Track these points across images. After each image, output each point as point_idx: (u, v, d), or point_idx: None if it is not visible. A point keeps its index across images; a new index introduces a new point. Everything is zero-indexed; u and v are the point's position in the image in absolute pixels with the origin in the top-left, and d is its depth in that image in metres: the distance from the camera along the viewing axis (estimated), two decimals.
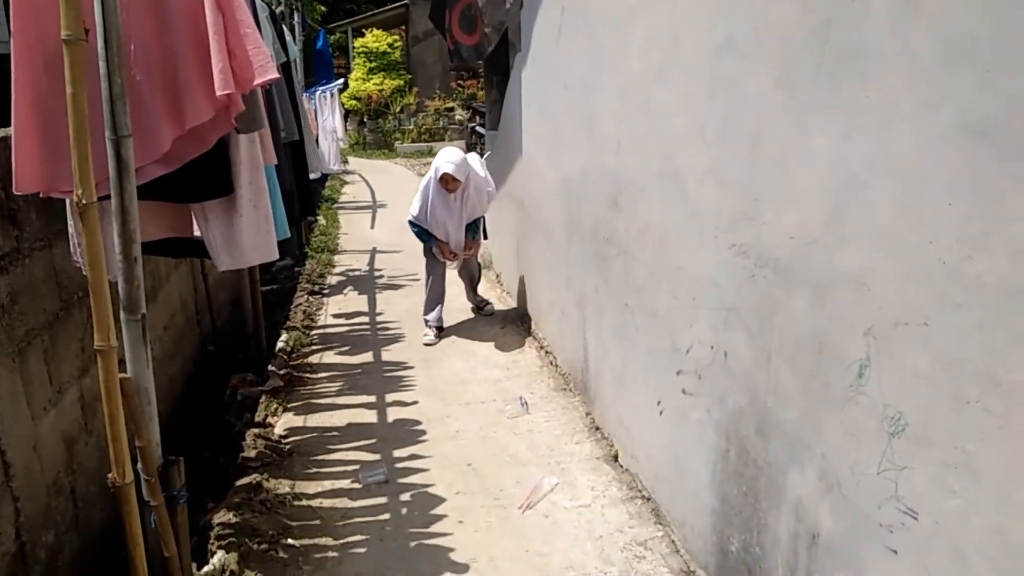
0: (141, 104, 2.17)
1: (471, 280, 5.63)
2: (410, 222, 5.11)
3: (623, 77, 3.17)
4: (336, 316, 5.83)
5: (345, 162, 14.57)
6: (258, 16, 3.67)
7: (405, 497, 3.24)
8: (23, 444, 2.18)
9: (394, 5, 18.69)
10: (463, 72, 17.11)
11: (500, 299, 5.94)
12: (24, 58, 2.07)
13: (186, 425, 3.72)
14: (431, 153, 16.24)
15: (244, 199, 2.51)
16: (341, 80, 11.11)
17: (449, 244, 5.06)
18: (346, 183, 12.77)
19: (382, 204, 10.71)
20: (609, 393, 3.62)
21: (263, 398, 4.16)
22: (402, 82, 18.37)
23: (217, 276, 4.96)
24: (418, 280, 6.66)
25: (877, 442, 1.68)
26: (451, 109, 17.60)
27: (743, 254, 2.25)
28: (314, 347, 5.13)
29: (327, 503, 3.18)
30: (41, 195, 2.21)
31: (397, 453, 3.61)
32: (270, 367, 4.51)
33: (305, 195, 5.48)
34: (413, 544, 2.91)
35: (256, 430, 3.76)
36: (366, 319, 5.75)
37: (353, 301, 6.21)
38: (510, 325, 5.40)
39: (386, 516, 3.09)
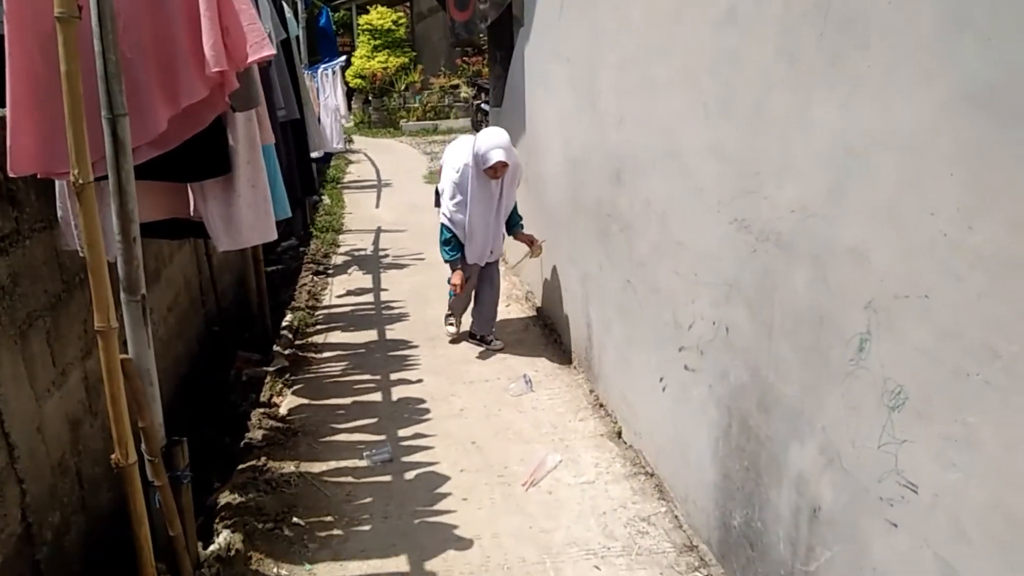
0: (133, 83, 2.15)
1: (490, 302, 4.67)
2: (444, 227, 4.43)
3: (625, 52, 3.13)
4: (341, 296, 5.83)
5: (350, 141, 14.53)
6: None
7: (410, 475, 3.26)
8: (27, 426, 2.19)
9: None
10: (467, 49, 16.97)
11: (504, 276, 5.93)
12: (18, 37, 2.05)
13: (191, 405, 3.73)
14: (436, 131, 16.15)
15: (242, 179, 2.50)
16: (343, 57, 11.02)
17: (488, 248, 4.41)
18: (351, 162, 12.73)
19: (387, 183, 10.68)
20: (612, 370, 3.62)
21: (268, 378, 4.17)
22: (407, 60, 18.26)
23: (221, 257, 4.96)
24: (423, 259, 6.67)
25: (877, 416, 1.67)
26: (456, 86, 17.49)
27: (744, 229, 2.23)
28: (319, 327, 5.14)
29: (332, 482, 3.20)
30: (39, 176, 2.21)
31: (402, 432, 3.62)
32: (275, 347, 4.53)
33: (307, 174, 5.42)
34: (418, 521, 2.93)
35: (261, 410, 3.78)
36: (371, 298, 5.75)
37: (358, 280, 6.21)
38: (514, 303, 5.39)
39: (391, 494, 3.10)
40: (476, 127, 14.74)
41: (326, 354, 4.65)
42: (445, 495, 3.09)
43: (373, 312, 5.45)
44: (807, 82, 1.89)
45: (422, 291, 5.81)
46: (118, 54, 2.01)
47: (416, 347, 4.70)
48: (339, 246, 7.37)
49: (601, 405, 3.80)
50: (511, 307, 5.33)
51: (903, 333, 1.59)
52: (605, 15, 3.33)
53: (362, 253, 7.09)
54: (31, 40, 2.06)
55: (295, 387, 4.15)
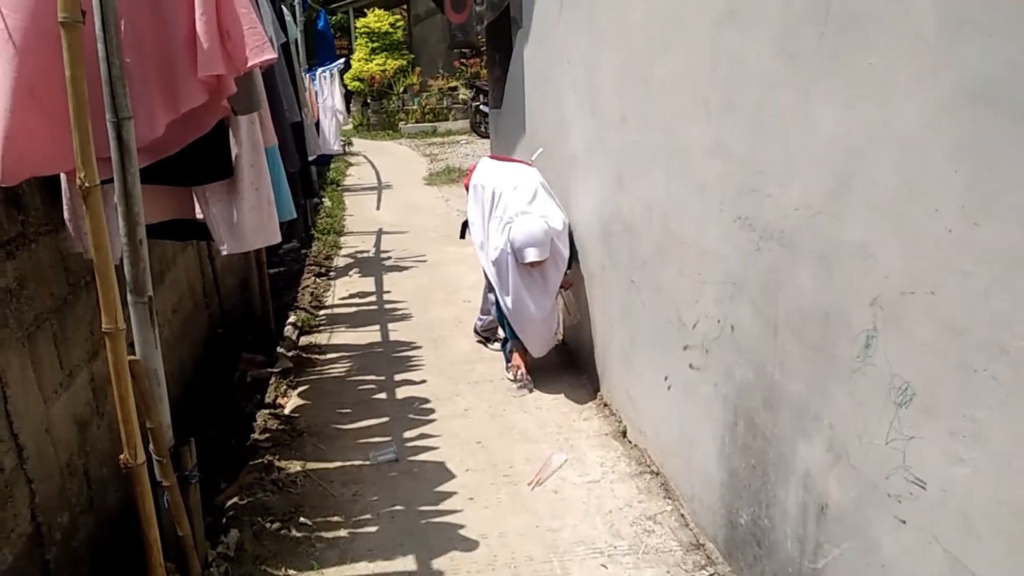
0: (131, 88, 2.15)
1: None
2: (501, 321, 4.13)
3: (625, 52, 3.14)
4: (343, 297, 5.84)
5: (349, 144, 14.54)
6: None
7: (415, 475, 3.26)
8: (35, 427, 2.20)
9: None
10: (465, 51, 16.98)
11: None
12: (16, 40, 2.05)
13: (197, 407, 3.74)
14: (435, 133, 16.16)
15: (246, 182, 2.51)
16: (342, 60, 11.02)
17: (550, 334, 4.08)
18: (351, 164, 12.75)
19: (387, 185, 10.70)
20: (616, 369, 3.63)
21: (272, 379, 4.18)
22: (405, 62, 18.28)
23: (224, 259, 4.97)
24: (424, 260, 6.69)
25: (884, 412, 1.68)
26: (454, 88, 17.50)
27: (748, 227, 2.24)
28: (322, 328, 5.15)
29: (338, 482, 3.21)
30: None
31: (407, 432, 3.63)
32: (279, 349, 4.54)
33: (306, 177, 5.43)
34: (424, 521, 2.93)
35: (266, 411, 3.79)
36: (373, 300, 5.76)
37: (360, 282, 6.22)
38: None
39: (397, 494, 3.11)
40: (475, 129, 14.77)
41: (330, 355, 4.66)
42: (451, 494, 3.10)
43: (376, 313, 5.46)
44: (808, 81, 1.90)
45: (424, 292, 5.82)
46: (122, 58, 2.02)
47: (419, 348, 4.71)
48: (341, 248, 7.38)
49: (606, 404, 3.81)
50: None
51: (909, 330, 1.60)
52: (605, 15, 3.34)
53: (364, 255, 7.10)
54: (31, 41, 2.04)
55: (299, 388, 4.15)
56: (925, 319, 1.55)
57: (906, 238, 1.59)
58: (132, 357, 2.16)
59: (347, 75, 17.53)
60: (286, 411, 3.87)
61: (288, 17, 5.66)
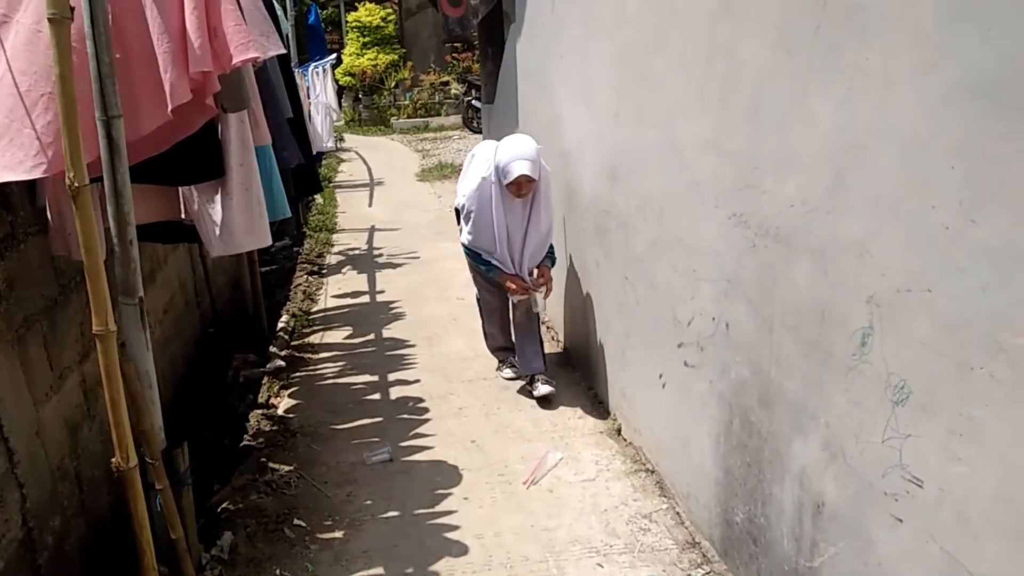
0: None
1: (526, 327, 3.91)
2: (466, 248, 3.81)
3: (619, 45, 3.12)
4: (336, 296, 5.82)
5: (341, 140, 14.48)
6: None
7: (410, 475, 3.25)
8: (26, 430, 2.17)
9: None
10: (457, 45, 16.93)
11: None
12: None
13: (189, 407, 3.72)
14: (427, 129, 16.10)
15: (235, 182, 2.48)
16: (334, 55, 10.98)
17: (520, 274, 3.74)
18: (342, 161, 12.70)
19: (379, 182, 10.65)
20: (611, 367, 3.62)
21: (265, 379, 4.16)
22: (396, 57, 18.19)
23: (216, 258, 4.91)
24: (417, 257, 6.66)
25: (881, 410, 1.68)
26: (447, 83, 17.43)
27: (743, 224, 2.23)
28: (315, 327, 5.12)
29: (332, 482, 3.19)
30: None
31: (401, 431, 3.61)
32: (271, 348, 4.51)
33: (310, 173, 5.35)
34: (419, 521, 2.92)
35: (259, 411, 3.77)
36: (366, 298, 5.74)
37: (353, 280, 6.19)
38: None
39: (391, 494, 3.10)
40: (467, 124, 14.71)
41: (323, 354, 4.63)
42: (446, 494, 3.09)
43: (369, 311, 5.43)
44: (805, 75, 1.88)
45: (418, 289, 5.80)
46: (111, 55, 2.00)
47: (413, 346, 4.69)
48: (333, 245, 7.35)
49: (600, 402, 3.80)
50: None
51: (906, 327, 1.59)
52: (598, 8, 3.32)
53: (356, 252, 7.07)
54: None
55: (292, 388, 4.13)
56: (922, 316, 1.54)
57: (903, 235, 1.58)
58: (123, 359, 2.14)
59: (338, 70, 17.46)
60: (279, 411, 3.85)
61: (279, 12, 5.62)
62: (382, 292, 5.83)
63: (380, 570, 2.64)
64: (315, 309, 5.53)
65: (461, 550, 2.74)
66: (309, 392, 4.09)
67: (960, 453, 1.47)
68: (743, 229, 2.24)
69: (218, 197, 2.51)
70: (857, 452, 1.78)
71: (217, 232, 2.55)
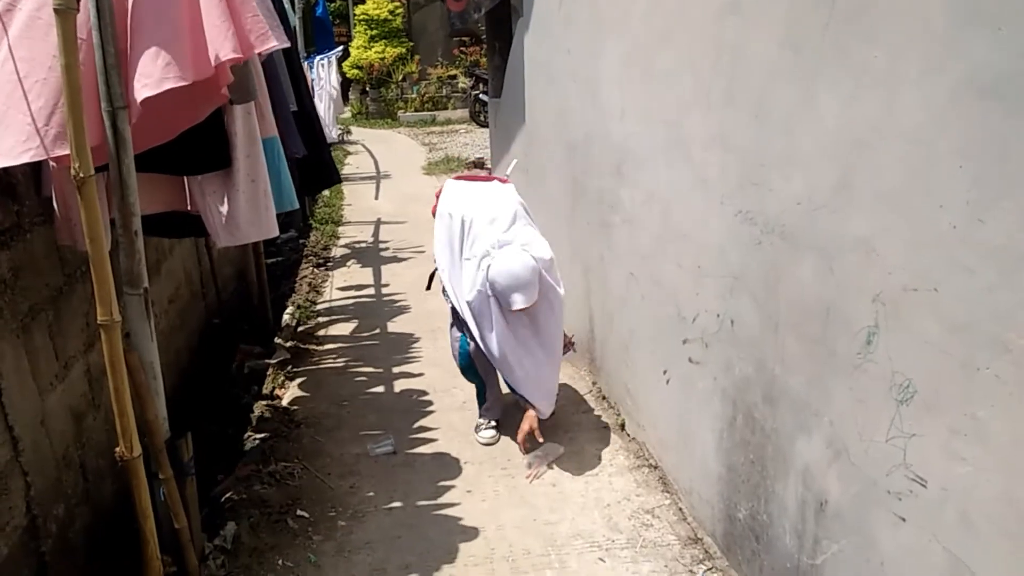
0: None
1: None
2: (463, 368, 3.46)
3: (627, 42, 3.11)
4: (341, 288, 5.82)
5: (348, 132, 14.48)
6: None
7: (413, 467, 3.26)
8: (31, 419, 2.18)
9: None
10: (465, 39, 16.89)
11: None
12: None
13: (194, 398, 3.73)
14: (434, 122, 16.07)
15: (241, 173, 2.48)
16: (340, 48, 10.96)
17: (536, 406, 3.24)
18: (349, 153, 12.69)
19: (386, 175, 10.65)
20: (615, 362, 3.62)
21: (270, 370, 4.17)
22: (404, 50, 18.15)
23: (221, 249, 4.94)
24: (423, 251, 6.65)
25: (885, 409, 1.67)
26: (454, 77, 17.41)
27: (749, 221, 2.22)
28: (320, 319, 5.13)
29: (336, 474, 3.20)
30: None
31: (404, 424, 3.62)
32: (277, 339, 4.52)
33: (323, 165, 5.27)
34: (422, 513, 2.93)
35: (264, 402, 3.78)
36: (372, 291, 5.74)
37: (358, 273, 6.20)
38: None
39: (394, 486, 3.10)
40: (474, 118, 14.68)
41: (328, 346, 4.64)
42: (449, 487, 3.09)
43: (374, 304, 5.44)
44: (812, 72, 1.87)
45: (423, 283, 5.76)
46: (116, 46, 2.00)
47: (418, 339, 4.70)
48: (339, 238, 7.35)
49: (604, 398, 3.80)
50: None
51: (912, 326, 1.59)
52: (606, 4, 3.31)
53: (362, 245, 7.07)
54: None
55: (297, 379, 4.14)
56: (928, 316, 1.54)
57: (909, 233, 1.58)
58: (128, 349, 2.14)
59: (346, 63, 17.43)
60: (284, 402, 3.86)
61: (287, 5, 5.62)
62: (387, 285, 5.84)
63: (383, 562, 2.65)
64: (320, 301, 5.54)
65: (463, 542, 2.74)
66: (313, 384, 4.10)
67: (964, 453, 1.46)
68: (749, 226, 2.23)
69: (223, 188, 2.51)
70: (861, 450, 1.77)
71: (222, 223, 2.55)
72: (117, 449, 2.10)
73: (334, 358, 4.47)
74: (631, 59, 3.08)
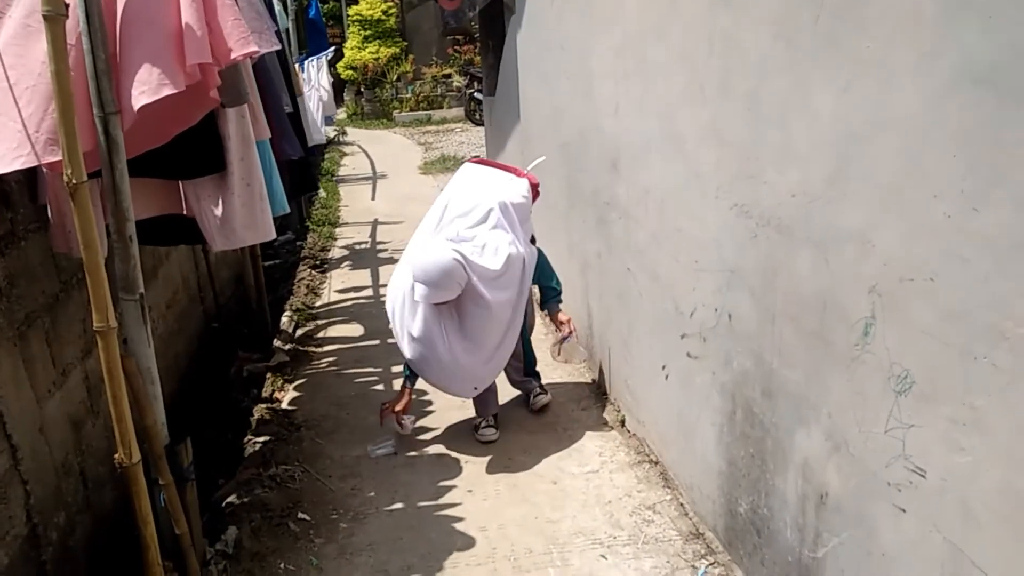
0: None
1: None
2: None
3: (619, 36, 3.11)
4: (340, 290, 5.82)
5: (343, 133, 14.47)
6: None
7: (414, 467, 3.26)
8: (29, 427, 2.18)
9: None
10: (459, 37, 16.87)
11: None
12: None
13: (193, 403, 3.72)
14: (430, 121, 16.05)
15: (236, 176, 2.47)
16: (332, 48, 10.93)
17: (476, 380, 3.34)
18: (345, 154, 12.68)
19: (382, 175, 10.64)
20: (614, 358, 3.62)
21: (269, 374, 4.17)
22: (398, 50, 18.13)
23: (218, 252, 4.93)
24: None
25: (884, 400, 1.67)
26: (448, 76, 17.39)
27: (745, 214, 2.22)
28: (318, 321, 5.13)
29: (336, 476, 3.20)
30: None
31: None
32: (275, 342, 4.52)
33: (305, 170, 5.32)
34: (423, 513, 2.93)
35: (263, 406, 3.78)
36: (370, 292, 5.74)
37: (356, 274, 6.19)
38: None
39: (395, 487, 3.10)
40: (470, 117, 14.66)
41: (327, 348, 4.64)
42: (450, 487, 3.09)
43: (373, 305, 5.43)
44: (805, 65, 1.87)
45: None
46: (107, 51, 1.99)
47: None
48: (336, 239, 7.35)
49: (604, 394, 3.80)
50: None
51: (909, 317, 1.58)
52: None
53: (360, 246, 7.07)
54: None
55: (296, 382, 4.14)
56: (924, 306, 1.53)
57: (905, 224, 1.57)
58: (125, 355, 2.14)
59: (340, 64, 17.41)
60: (283, 405, 3.85)
61: (278, 6, 5.61)
62: (385, 286, 5.82)
63: (385, 563, 2.65)
64: (318, 303, 5.53)
65: (465, 542, 2.74)
66: (313, 386, 4.09)
67: (963, 443, 1.46)
68: (744, 220, 2.22)
69: (218, 192, 2.51)
70: (860, 442, 1.77)
71: (218, 227, 2.55)
72: (116, 456, 2.10)
73: (333, 360, 4.46)
74: (624, 54, 3.07)
